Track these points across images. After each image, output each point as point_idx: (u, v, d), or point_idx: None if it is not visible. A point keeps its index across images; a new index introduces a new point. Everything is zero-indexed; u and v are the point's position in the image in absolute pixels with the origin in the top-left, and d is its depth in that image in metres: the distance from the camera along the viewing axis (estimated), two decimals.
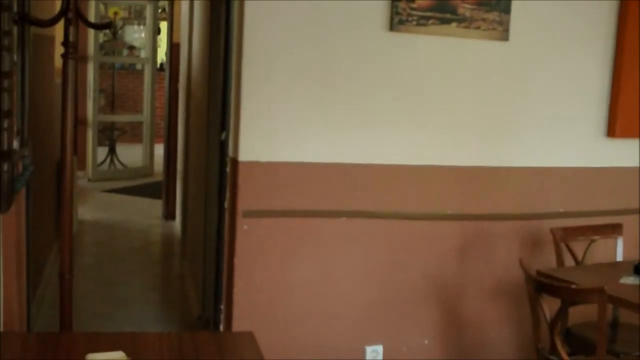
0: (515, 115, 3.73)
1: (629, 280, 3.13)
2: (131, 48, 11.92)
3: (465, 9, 3.51)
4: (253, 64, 3.29)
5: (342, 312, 3.56)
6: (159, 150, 8.17)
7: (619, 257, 3.67)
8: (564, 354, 2.89)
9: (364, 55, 3.44)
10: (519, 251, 3.79)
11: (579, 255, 3.60)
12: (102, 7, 9.44)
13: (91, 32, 8.52)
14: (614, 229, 3.71)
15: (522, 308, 3.57)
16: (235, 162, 3.36)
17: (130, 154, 9.74)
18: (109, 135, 9.63)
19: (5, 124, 2.36)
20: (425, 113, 3.57)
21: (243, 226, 3.35)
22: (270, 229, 3.39)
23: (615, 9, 3.80)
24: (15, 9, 2.67)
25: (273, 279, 3.43)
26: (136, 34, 12.19)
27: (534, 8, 3.65)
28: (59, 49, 3.09)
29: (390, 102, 3.50)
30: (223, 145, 3.47)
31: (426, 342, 3.72)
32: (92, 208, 7.57)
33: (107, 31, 10.22)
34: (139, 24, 12.00)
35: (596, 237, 3.67)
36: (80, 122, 7.72)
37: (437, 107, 3.58)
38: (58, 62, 3.73)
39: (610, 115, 3.86)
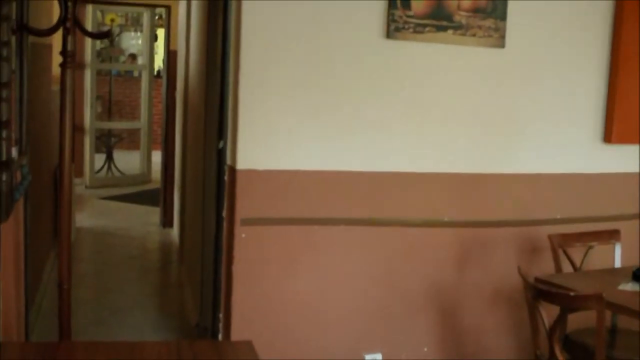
0: (512, 122, 3.73)
1: (628, 286, 3.13)
2: (133, 57, 11.91)
3: (461, 16, 3.52)
4: (250, 71, 3.30)
5: (341, 319, 3.55)
6: (157, 157, 8.16)
7: (617, 264, 3.67)
8: None
9: (360, 63, 3.44)
10: (517, 258, 3.79)
11: (577, 262, 3.60)
12: (99, 14, 9.45)
13: (88, 39, 8.53)
14: (612, 235, 3.71)
15: (521, 315, 3.57)
16: (233, 170, 3.36)
17: (127, 161, 9.74)
18: (106, 142, 9.62)
19: (4, 134, 2.35)
20: (422, 120, 3.57)
21: (241, 234, 3.35)
22: (269, 237, 3.39)
23: (611, 14, 3.81)
24: (13, 17, 2.67)
25: (271, 286, 3.43)
26: (133, 41, 12.20)
27: (530, 15, 3.66)
28: (57, 57, 3.09)
29: (387, 109, 3.51)
30: (221, 153, 3.47)
31: (425, 349, 3.72)
32: (89, 215, 7.56)
33: None
34: (135, 31, 12.01)
35: (594, 243, 3.67)
36: (77, 129, 7.73)
37: (434, 114, 3.59)
38: (55, 69, 3.72)
39: (607, 121, 3.87)
